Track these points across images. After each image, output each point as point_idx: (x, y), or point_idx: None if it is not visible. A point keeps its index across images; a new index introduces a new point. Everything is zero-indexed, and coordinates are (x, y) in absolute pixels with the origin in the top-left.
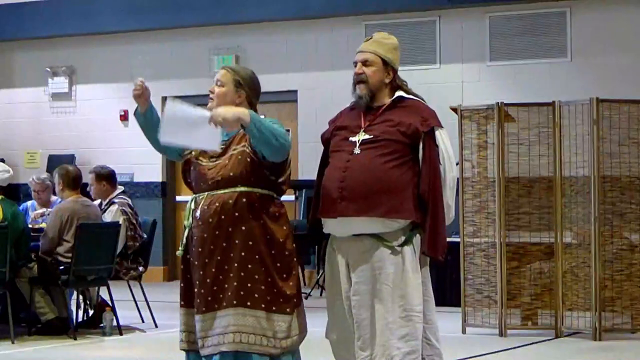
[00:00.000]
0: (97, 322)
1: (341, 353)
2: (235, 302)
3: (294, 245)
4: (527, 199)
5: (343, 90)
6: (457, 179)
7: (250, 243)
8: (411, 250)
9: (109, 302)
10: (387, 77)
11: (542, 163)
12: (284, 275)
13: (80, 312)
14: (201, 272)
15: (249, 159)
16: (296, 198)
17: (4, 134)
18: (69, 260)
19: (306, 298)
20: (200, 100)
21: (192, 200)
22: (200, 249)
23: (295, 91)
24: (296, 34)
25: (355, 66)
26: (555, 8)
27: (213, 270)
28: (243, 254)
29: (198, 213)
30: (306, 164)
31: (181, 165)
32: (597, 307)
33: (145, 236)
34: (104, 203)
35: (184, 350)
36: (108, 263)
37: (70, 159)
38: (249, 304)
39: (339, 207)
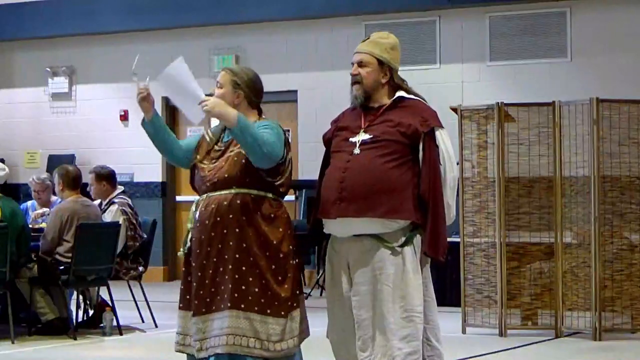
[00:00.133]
0: (97, 322)
1: (341, 353)
2: (229, 304)
3: (292, 247)
4: (527, 199)
5: (343, 90)
6: (457, 178)
7: (244, 245)
8: (411, 250)
9: (109, 302)
10: (383, 77)
11: (542, 163)
12: (279, 278)
13: (80, 312)
14: (199, 274)
15: (244, 161)
16: (296, 198)
17: (4, 134)
18: (69, 260)
19: (306, 298)
20: None
21: (194, 203)
22: (198, 251)
23: (295, 91)
24: (296, 34)
25: (353, 66)
26: (555, 8)
27: (210, 272)
28: (237, 256)
29: (197, 215)
30: (306, 164)
31: (189, 171)
32: (597, 307)
33: (145, 236)
34: (104, 203)
35: (178, 352)
36: (108, 263)
37: (70, 159)
38: (243, 306)
39: (338, 208)
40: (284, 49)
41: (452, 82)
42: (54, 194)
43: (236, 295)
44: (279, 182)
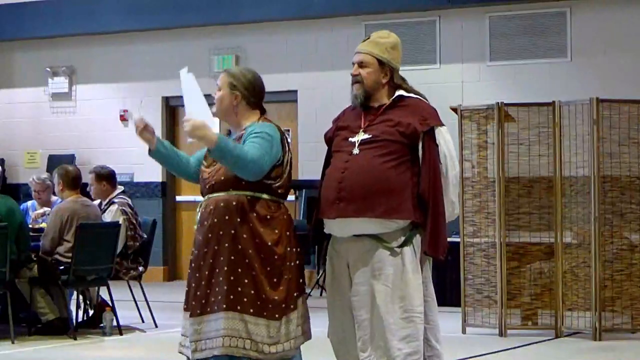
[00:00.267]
0: (97, 322)
1: (342, 354)
2: (225, 305)
3: (291, 249)
4: (527, 199)
5: (343, 90)
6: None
7: (239, 247)
8: (411, 250)
9: (109, 302)
10: (384, 77)
11: (542, 163)
12: (274, 280)
13: (80, 312)
14: (196, 274)
15: None
16: (296, 198)
17: (4, 134)
18: (69, 260)
19: (306, 298)
20: None
21: (199, 204)
22: (197, 251)
23: (295, 91)
24: (296, 34)
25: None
26: (555, 8)
27: (206, 272)
28: (232, 257)
29: (198, 216)
30: (306, 164)
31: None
32: (597, 307)
33: (145, 236)
34: (104, 203)
35: (180, 353)
36: (108, 263)
37: (70, 159)
38: (239, 308)
39: (337, 208)
40: (284, 49)
41: (452, 82)
42: (54, 194)
43: (232, 297)
44: (277, 184)
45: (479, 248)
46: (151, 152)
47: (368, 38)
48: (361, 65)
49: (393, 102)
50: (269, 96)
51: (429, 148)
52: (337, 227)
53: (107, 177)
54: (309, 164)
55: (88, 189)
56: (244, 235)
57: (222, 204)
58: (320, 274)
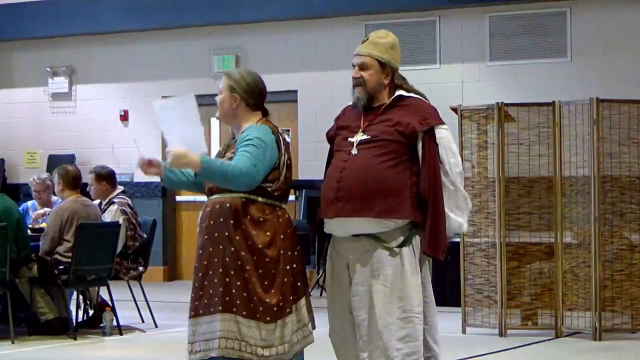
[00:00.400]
0: (97, 322)
1: (342, 353)
2: (221, 307)
3: (285, 251)
4: (527, 199)
5: (343, 90)
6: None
7: (233, 249)
8: (410, 250)
9: (109, 302)
10: (385, 78)
11: (542, 163)
12: (265, 283)
13: (80, 312)
14: (196, 276)
15: None
16: (296, 198)
17: (4, 134)
18: (69, 260)
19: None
20: (200, 100)
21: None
22: (196, 253)
23: (295, 91)
24: (296, 34)
25: (354, 69)
26: (555, 8)
27: (201, 274)
28: (227, 259)
29: (199, 218)
30: (306, 164)
31: None
32: (597, 307)
33: (145, 236)
34: (104, 203)
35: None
36: (108, 263)
37: (70, 159)
38: (234, 310)
39: (336, 208)
40: (284, 49)
41: (452, 82)
42: (54, 194)
43: (227, 298)
44: (273, 187)
45: (479, 248)
46: (164, 182)
47: (367, 39)
48: (362, 67)
49: (393, 102)
50: (269, 96)
51: (429, 147)
52: (336, 226)
53: (107, 177)
54: (309, 164)
55: (88, 189)
56: (237, 237)
57: (218, 206)
58: (320, 274)
